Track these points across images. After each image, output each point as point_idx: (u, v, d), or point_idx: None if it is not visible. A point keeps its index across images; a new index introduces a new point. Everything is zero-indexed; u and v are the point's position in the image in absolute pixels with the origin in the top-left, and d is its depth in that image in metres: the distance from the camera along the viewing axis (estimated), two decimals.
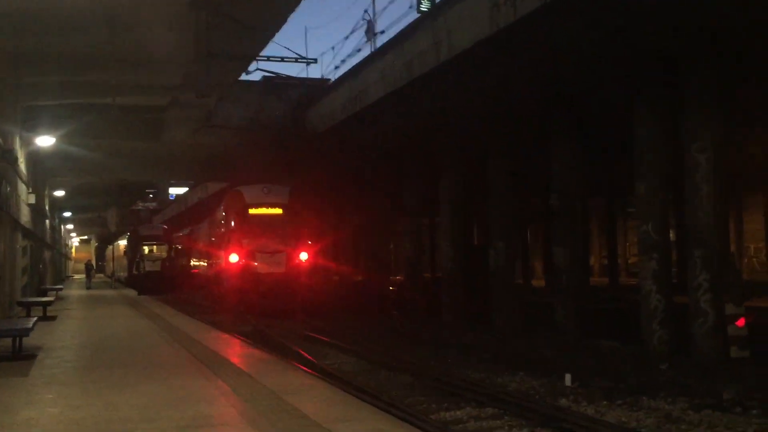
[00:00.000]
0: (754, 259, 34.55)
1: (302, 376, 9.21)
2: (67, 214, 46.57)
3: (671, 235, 16.35)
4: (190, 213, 45.22)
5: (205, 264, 26.53)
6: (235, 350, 12.11)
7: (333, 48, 64.82)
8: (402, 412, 8.03)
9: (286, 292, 20.86)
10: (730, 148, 15.97)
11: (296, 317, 20.39)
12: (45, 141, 18.78)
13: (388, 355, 12.93)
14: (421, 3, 18.69)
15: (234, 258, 21.05)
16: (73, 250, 78.93)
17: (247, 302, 20.90)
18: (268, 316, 19.99)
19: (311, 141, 22.99)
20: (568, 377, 10.32)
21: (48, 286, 31.68)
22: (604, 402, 9.12)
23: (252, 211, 21.61)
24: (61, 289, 33.04)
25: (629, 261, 42.66)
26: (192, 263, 33.23)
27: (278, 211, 21.36)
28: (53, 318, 18.26)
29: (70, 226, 59.46)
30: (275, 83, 23.07)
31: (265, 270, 20.74)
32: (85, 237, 77.57)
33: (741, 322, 11.87)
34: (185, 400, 7.45)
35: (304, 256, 21.37)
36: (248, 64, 16.72)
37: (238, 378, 8.71)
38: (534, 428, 7.95)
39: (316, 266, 22.66)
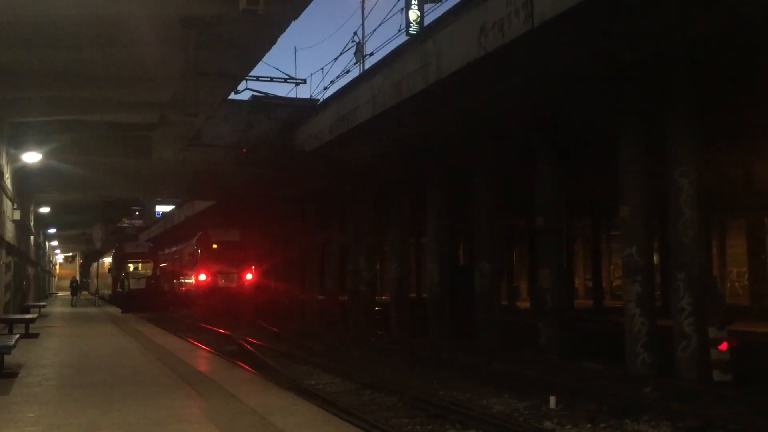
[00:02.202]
0: (737, 283, 34.84)
1: (286, 396, 9.17)
2: (52, 230, 46.20)
3: (655, 258, 16.51)
4: (177, 231, 45.05)
5: (182, 281, 35.45)
6: (218, 369, 12.04)
7: (322, 69, 65.07)
8: None
9: (237, 299, 30.11)
10: (712, 172, 16.21)
11: (244, 317, 28.37)
12: (31, 157, 18.72)
13: (368, 373, 12.91)
14: (409, 26, 18.91)
15: (203, 276, 30.65)
16: (57, 266, 78.20)
17: (211, 306, 29.72)
18: (226, 315, 28.32)
19: (299, 160, 23.10)
20: (552, 399, 10.33)
21: (31, 303, 31.35)
22: (588, 425, 9.14)
23: (215, 246, 31.23)
24: (44, 306, 32.71)
25: (614, 283, 42.90)
26: (173, 281, 38.54)
27: (233, 246, 30.83)
28: (36, 335, 18.09)
29: (54, 243, 58.95)
30: (264, 103, 23.20)
31: (223, 284, 30.28)
32: (70, 254, 76.90)
33: (724, 346, 11.95)
34: (168, 419, 7.41)
35: (249, 276, 31.01)
36: (237, 84, 16.77)
37: (221, 397, 8.68)
38: None
39: (259, 283, 31.80)
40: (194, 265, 31.44)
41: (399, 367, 14.76)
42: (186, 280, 34.10)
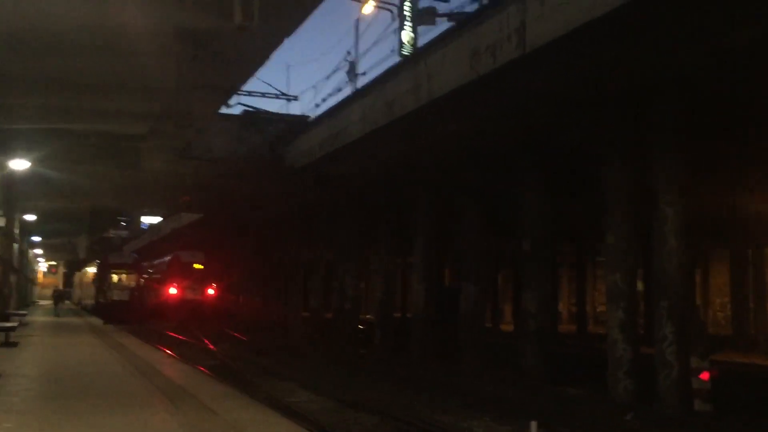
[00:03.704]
0: (719, 313, 35.03)
1: (265, 413, 9.11)
2: (37, 238, 45.80)
3: (639, 285, 16.58)
4: (163, 243, 44.81)
5: (158, 294, 39.49)
6: (198, 383, 11.95)
7: (314, 86, 65.24)
8: None
9: (202, 309, 35.57)
10: (697, 202, 16.36)
11: (209, 323, 32.92)
12: (19, 164, 18.62)
13: (350, 392, 12.85)
14: (402, 47, 19.07)
15: (173, 290, 36.08)
16: (41, 275, 77.45)
17: (180, 315, 34.23)
18: (193, 321, 32.65)
19: (288, 176, 23.11)
20: (533, 424, 10.30)
21: (12, 311, 30.99)
22: None
23: (184, 265, 36.85)
24: (25, 315, 32.35)
25: (597, 309, 42.95)
26: (151, 294, 41.07)
27: (198, 266, 36.78)
28: (15, 344, 17.88)
29: (38, 251, 58.44)
30: (255, 117, 23.23)
31: (189, 297, 35.54)
32: (53, 262, 76.23)
33: (705, 375, 11.99)
34: None
35: (211, 290, 36.90)
36: (229, 98, 16.80)
37: (199, 412, 8.61)
38: None
39: (219, 296, 37.93)
40: (167, 281, 37.24)
41: (381, 386, 14.69)
42: (161, 293, 38.84)
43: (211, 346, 22.24)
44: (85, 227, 41.42)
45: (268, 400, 11.44)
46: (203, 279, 36.80)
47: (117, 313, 34.90)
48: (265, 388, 13.27)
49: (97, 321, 34.35)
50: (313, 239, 29.52)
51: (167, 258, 38.91)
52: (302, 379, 14.85)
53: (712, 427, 10.65)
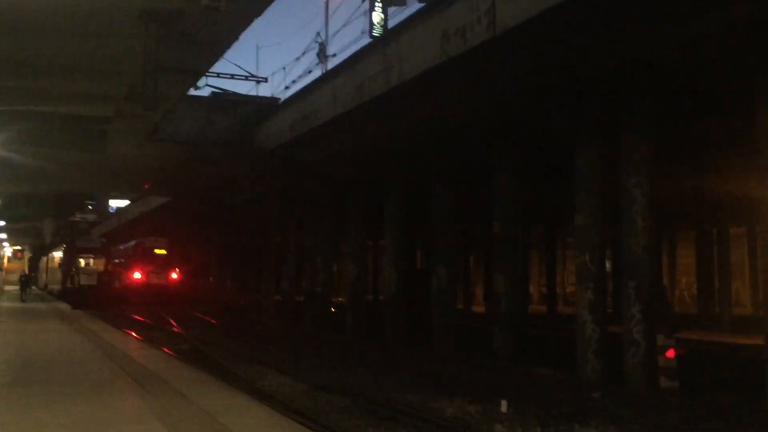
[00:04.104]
0: (686, 293, 35.78)
1: (237, 397, 9.09)
2: (1, 222, 44.90)
3: (608, 265, 16.83)
4: (131, 227, 44.34)
5: (124, 278, 40.39)
6: (169, 368, 11.87)
7: (284, 68, 64.17)
8: None
9: (165, 293, 36.65)
10: (665, 184, 16.63)
11: (176, 306, 33.43)
12: None
13: (322, 375, 12.88)
14: (373, 28, 18.95)
15: (137, 275, 37.23)
16: (5, 260, 76.09)
17: (144, 299, 34.97)
18: (155, 304, 33.74)
19: (258, 159, 22.93)
20: (504, 403, 10.44)
21: None
22: (538, 429, 9.27)
23: (147, 251, 38.14)
24: None
25: (567, 290, 43.55)
26: (118, 278, 41.74)
27: (162, 251, 37.86)
28: None
29: (3, 236, 57.36)
30: (224, 99, 22.94)
31: (153, 281, 36.86)
32: (19, 247, 74.91)
33: (671, 353, 12.24)
34: (115, 419, 7.29)
35: (174, 275, 37.95)
36: (197, 79, 16.57)
37: (170, 397, 8.56)
38: None
39: (182, 280, 38.80)
40: (131, 266, 38.39)
41: (354, 369, 14.74)
42: (126, 278, 39.88)
43: (182, 331, 22.09)
44: (51, 211, 40.77)
45: (241, 384, 11.41)
46: (167, 264, 38.18)
47: (85, 297, 34.48)
48: (237, 372, 13.23)
49: (64, 306, 33.89)
50: (284, 222, 29.41)
51: (132, 243, 39.87)
52: (274, 363, 14.83)
53: (678, 403, 10.88)
